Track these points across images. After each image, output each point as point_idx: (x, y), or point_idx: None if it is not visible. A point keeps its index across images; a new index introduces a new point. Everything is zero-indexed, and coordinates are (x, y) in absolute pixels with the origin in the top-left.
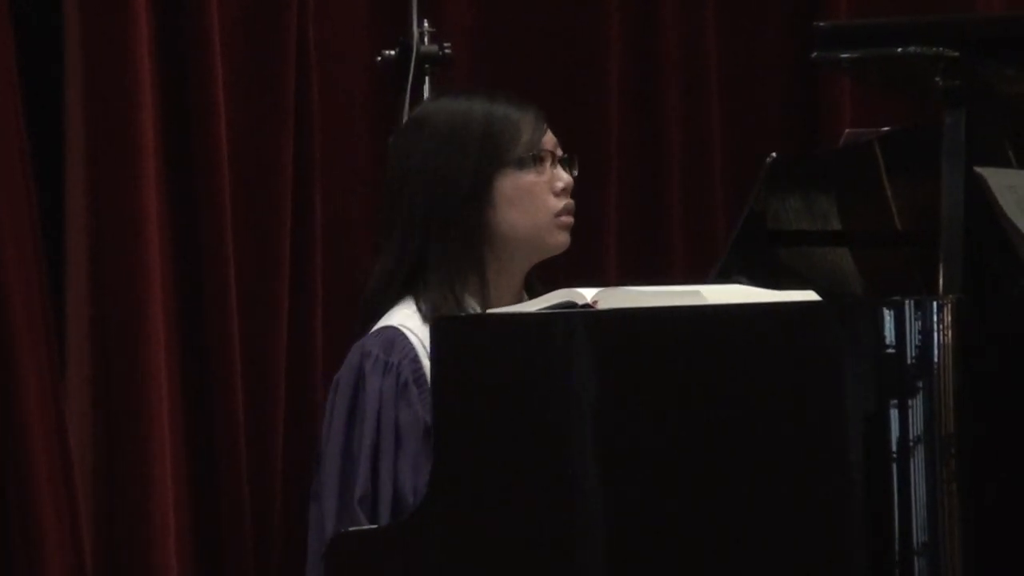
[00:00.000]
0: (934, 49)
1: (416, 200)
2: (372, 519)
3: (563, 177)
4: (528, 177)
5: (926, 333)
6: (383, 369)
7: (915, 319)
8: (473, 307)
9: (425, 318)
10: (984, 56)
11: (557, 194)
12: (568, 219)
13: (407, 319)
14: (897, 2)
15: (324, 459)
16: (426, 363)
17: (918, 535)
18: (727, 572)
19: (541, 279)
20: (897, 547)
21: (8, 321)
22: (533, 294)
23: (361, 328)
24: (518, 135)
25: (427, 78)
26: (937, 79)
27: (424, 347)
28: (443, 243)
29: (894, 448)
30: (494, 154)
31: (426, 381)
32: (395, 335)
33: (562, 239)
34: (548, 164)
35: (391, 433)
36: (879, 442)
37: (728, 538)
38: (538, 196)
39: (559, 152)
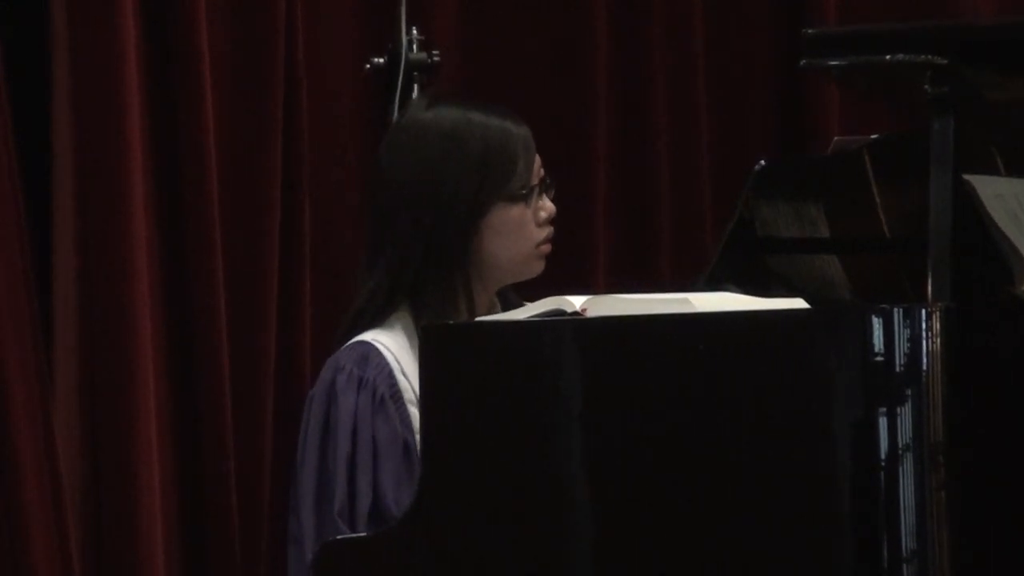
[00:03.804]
0: (922, 56)
1: (411, 222)
2: (352, 532)
3: (548, 207)
4: (517, 209)
5: (914, 341)
6: (358, 384)
7: (903, 326)
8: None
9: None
10: (972, 63)
11: (540, 224)
12: (547, 248)
13: (380, 334)
14: (886, 9)
15: (300, 475)
16: (401, 380)
17: (907, 542)
18: None
19: (519, 288)
20: (886, 554)
21: None
22: (504, 301)
23: (341, 340)
24: (514, 165)
25: (416, 86)
26: (925, 86)
27: (398, 363)
28: (438, 268)
29: (883, 456)
30: (492, 186)
31: (402, 397)
32: (369, 350)
33: (538, 267)
34: (536, 195)
35: (368, 448)
36: (868, 450)
37: (717, 546)
38: (524, 227)
39: (543, 174)
